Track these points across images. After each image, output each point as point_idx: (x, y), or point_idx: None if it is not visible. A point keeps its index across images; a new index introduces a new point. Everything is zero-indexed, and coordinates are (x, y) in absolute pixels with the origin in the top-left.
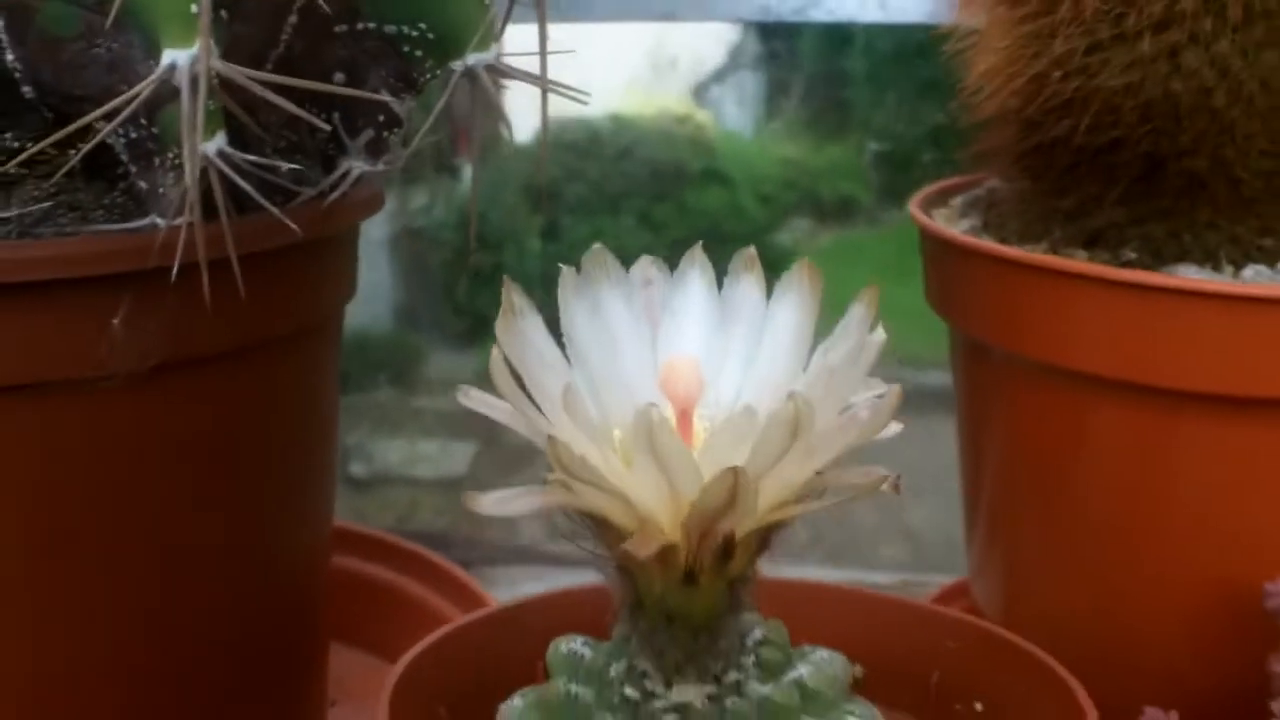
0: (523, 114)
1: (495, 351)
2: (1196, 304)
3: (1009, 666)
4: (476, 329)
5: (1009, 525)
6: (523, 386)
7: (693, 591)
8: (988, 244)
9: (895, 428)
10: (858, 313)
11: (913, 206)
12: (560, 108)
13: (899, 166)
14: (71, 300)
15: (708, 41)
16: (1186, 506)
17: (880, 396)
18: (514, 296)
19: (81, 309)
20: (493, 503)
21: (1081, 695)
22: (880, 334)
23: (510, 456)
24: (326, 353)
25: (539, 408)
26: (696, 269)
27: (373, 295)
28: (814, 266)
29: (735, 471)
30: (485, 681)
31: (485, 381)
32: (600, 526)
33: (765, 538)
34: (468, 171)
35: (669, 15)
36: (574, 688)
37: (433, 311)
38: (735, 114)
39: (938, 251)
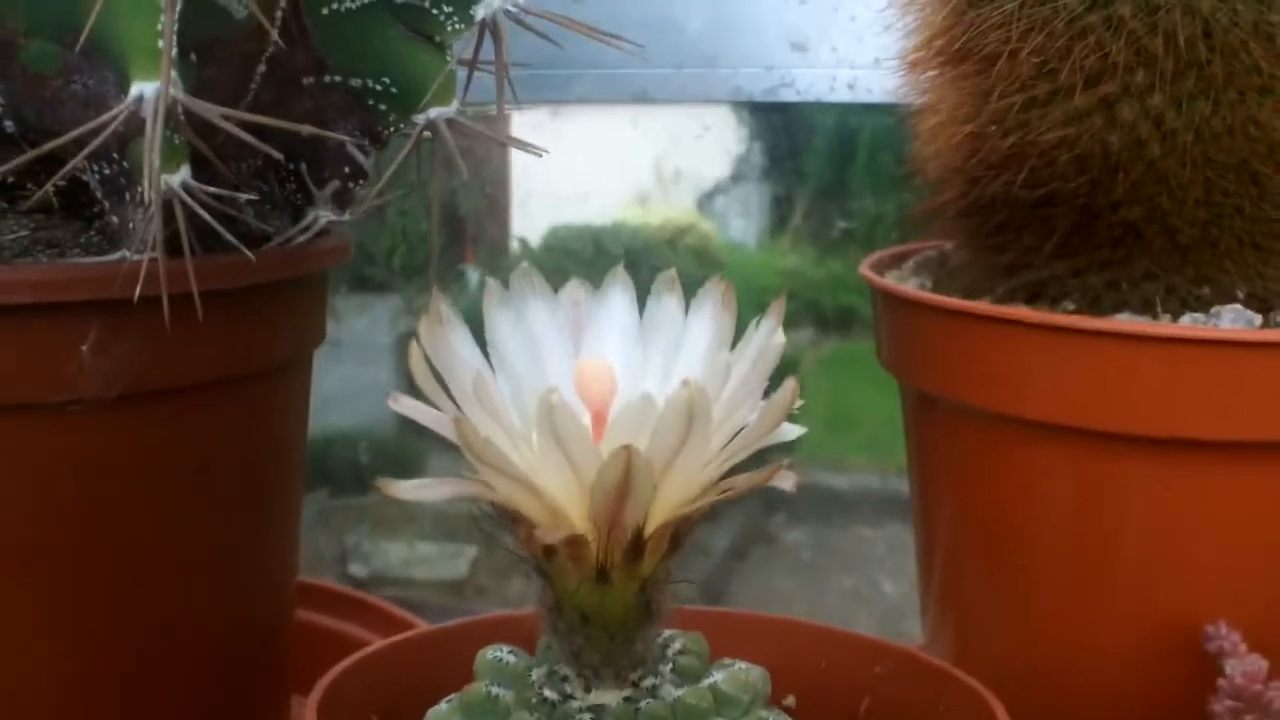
0: (530, 226)
1: (414, 348)
2: (1134, 347)
3: (935, 689)
4: None
5: (960, 579)
6: (444, 387)
7: (606, 590)
8: (933, 296)
9: (794, 431)
10: (766, 324)
11: (864, 268)
12: (568, 217)
13: (865, 243)
14: (43, 325)
15: (703, 144)
16: (1131, 550)
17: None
18: (440, 306)
19: (52, 334)
20: (410, 488)
21: (1000, 711)
22: (780, 337)
23: (509, 561)
24: (293, 395)
25: (459, 407)
26: (618, 288)
27: (376, 397)
28: (729, 283)
29: (629, 450)
30: (418, 693)
31: None
32: (516, 524)
33: (675, 539)
34: (474, 277)
35: (643, 96)
36: (495, 689)
37: None
38: (740, 224)
39: (887, 308)
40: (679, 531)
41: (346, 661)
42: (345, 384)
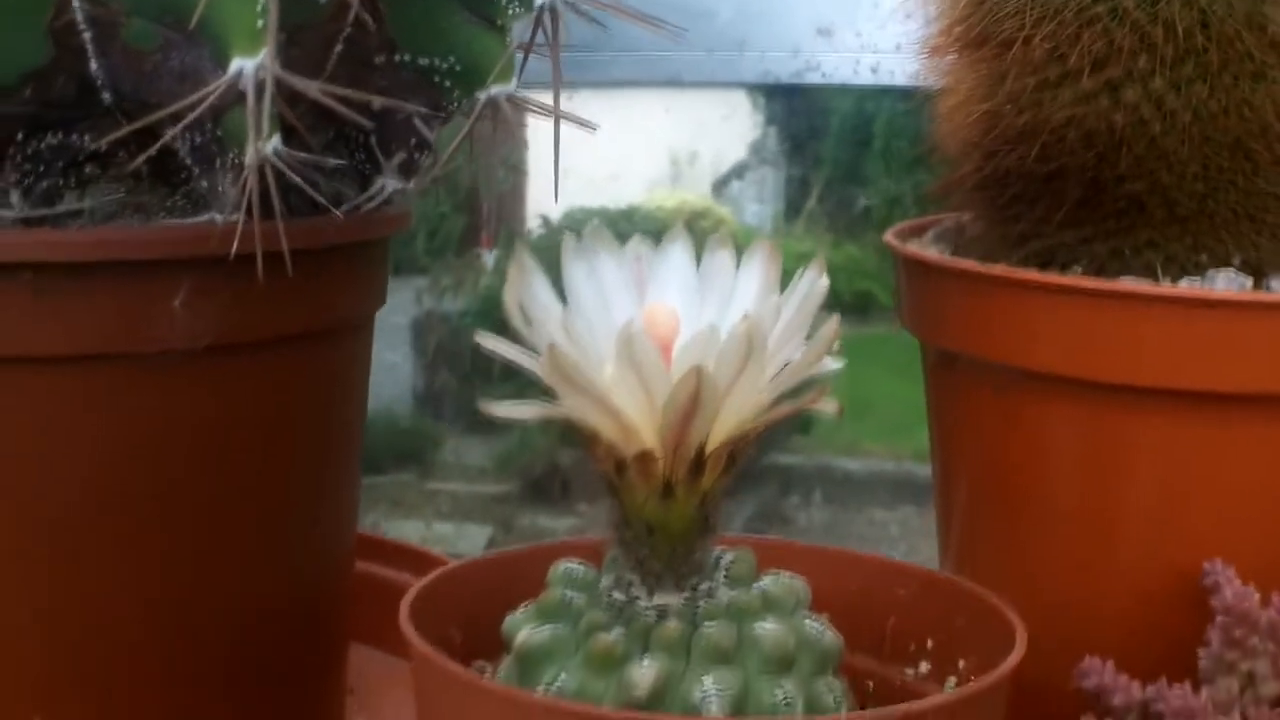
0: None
1: (508, 292)
2: (1136, 306)
3: (954, 605)
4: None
5: (974, 527)
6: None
7: (670, 504)
8: (953, 260)
9: (836, 364)
10: (810, 271)
11: (888, 236)
12: (583, 200)
13: (882, 227)
14: (140, 281)
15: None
16: (1136, 497)
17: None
18: (524, 256)
19: (148, 289)
20: (504, 408)
21: (1014, 618)
22: (824, 282)
23: (525, 539)
24: (359, 353)
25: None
26: (679, 244)
27: (393, 379)
28: (775, 245)
29: (698, 370)
30: (493, 607)
31: (502, 470)
32: (594, 443)
33: (731, 458)
34: (490, 260)
35: (675, 79)
36: (569, 594)
37: (452, 397)
38: (756, 208)
39: (910, 272)
40: (735, 451)
41: (429, 576)
42: None
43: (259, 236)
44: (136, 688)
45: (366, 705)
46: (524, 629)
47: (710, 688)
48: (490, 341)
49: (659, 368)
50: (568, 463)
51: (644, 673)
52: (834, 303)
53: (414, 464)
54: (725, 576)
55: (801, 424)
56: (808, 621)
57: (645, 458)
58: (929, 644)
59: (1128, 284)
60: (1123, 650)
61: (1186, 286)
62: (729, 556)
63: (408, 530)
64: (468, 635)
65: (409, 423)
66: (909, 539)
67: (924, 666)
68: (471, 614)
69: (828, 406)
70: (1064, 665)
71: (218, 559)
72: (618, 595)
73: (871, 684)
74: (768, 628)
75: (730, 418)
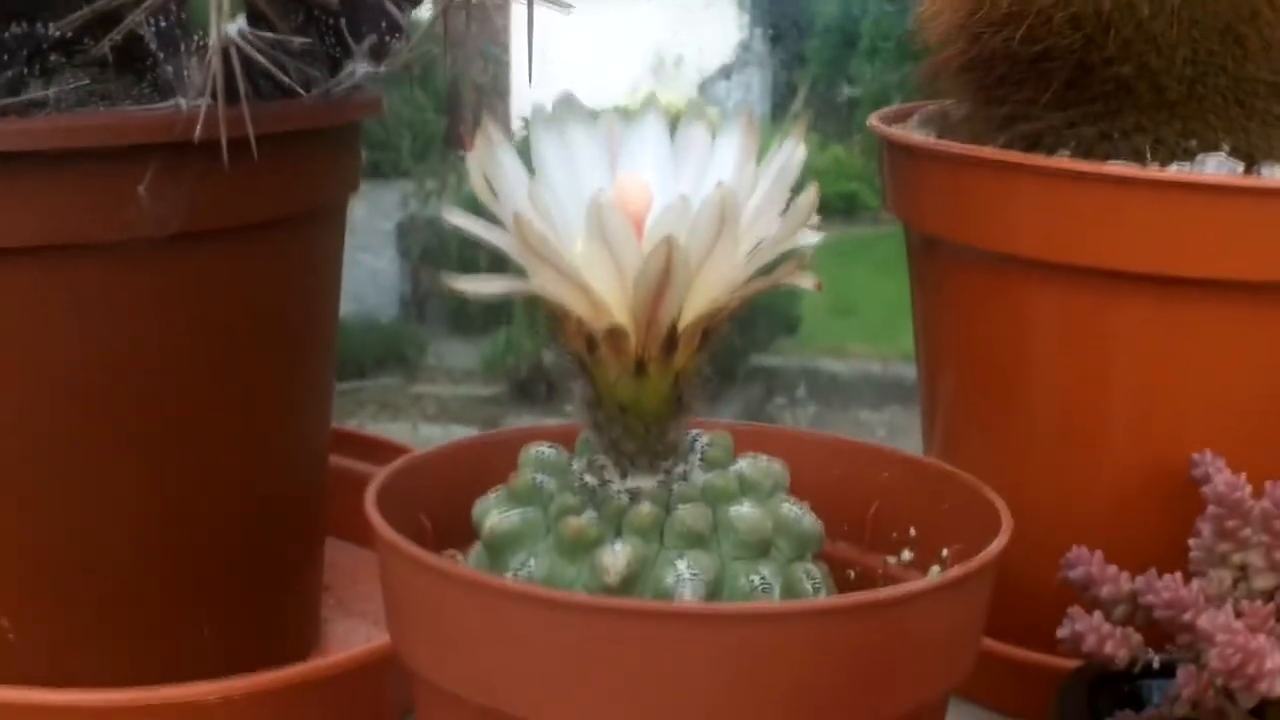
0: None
1: (472, 163)
2: (1123, 189)
3: (937, 490)
4: (480, 318)
5: (962, 419)
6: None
7: (643, 382)
8: (937, 143)
9: (814, 236)
10: (788, 142)
11: (873, 120)
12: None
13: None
14: (106, 169)
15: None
16: (1126, 386)
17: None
18: (490, 128)
19: (114, 177)
20: (470, 283)
21: (999, 503)
22: (801, 153)
23: None
24: (330, 242)
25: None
26: (652, 114)
27: (378, 284)
28: (752, 116)
29: (670, 241)
30: (463, 494)
31: (489, 372)
32: (564, 320)
33: (705, 336)
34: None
35: None
36: (539, 477)
37: (437, 301)
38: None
39: (895, 156)
40: (709, 328)
41: (396, 463)
42: (347, 270)
43: (223, 120)
44: (109, 586)
45: (341, 599)
46: (493, 513)
47: (684, 572)
48: (457, 217)
49: (630, 240)
50: (553, 364)
51: (616, 557)
52: (820, 205)
53: (400, 367)
54: (701, 459)
55: (788, 324)
56: (786, 505)
57: (617, 334)
58: (911, 531)
59: (1114, 167)
60: (1110, 542)
61: (1175, 170)
62: (705, 439)
63: (394, 433)
64: (439, 524)
65: (394, 326)
66: (896, 439)
67: (906, 554)
68: (443, 502)
69: (805, 281)
70: (1051, 558)
71: (190, 453)
72: (590, 478)
73: (853, 573)
74: (743, 511)
75: (704, 292)
